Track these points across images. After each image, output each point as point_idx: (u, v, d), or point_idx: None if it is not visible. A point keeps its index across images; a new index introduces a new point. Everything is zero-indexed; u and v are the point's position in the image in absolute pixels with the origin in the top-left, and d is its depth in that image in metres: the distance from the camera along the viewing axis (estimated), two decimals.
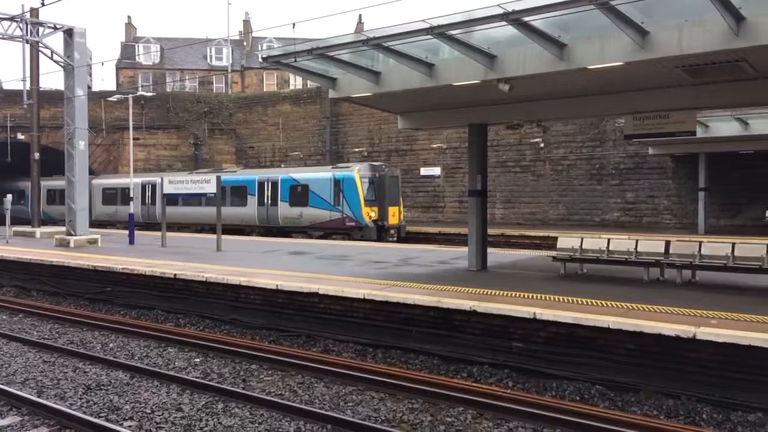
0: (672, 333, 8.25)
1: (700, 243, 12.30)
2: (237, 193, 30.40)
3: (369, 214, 26.33)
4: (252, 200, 29.88)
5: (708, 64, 10.08)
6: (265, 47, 49.37)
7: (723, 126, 23.67)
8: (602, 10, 9.02)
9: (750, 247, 11.74)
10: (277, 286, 12.49)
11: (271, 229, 29.14)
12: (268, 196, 29.32)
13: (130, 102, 27.51)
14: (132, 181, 27.37)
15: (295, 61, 12.39)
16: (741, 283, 11.84)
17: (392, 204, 27.51)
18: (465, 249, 15.55)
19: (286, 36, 41.86)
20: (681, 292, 11.20)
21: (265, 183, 29.48)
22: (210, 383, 8.81)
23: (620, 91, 12.10)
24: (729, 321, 8.62)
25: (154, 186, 32.84)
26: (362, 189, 26.43)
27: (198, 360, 10.31)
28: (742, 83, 10.91)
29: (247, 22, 60.04)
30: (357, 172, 26.66)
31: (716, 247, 12.11)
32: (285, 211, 28.63)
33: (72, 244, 21.81)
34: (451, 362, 9.85)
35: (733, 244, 11.86)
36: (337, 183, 26.89)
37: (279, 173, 29.90)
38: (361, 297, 11.29)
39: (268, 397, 8.15)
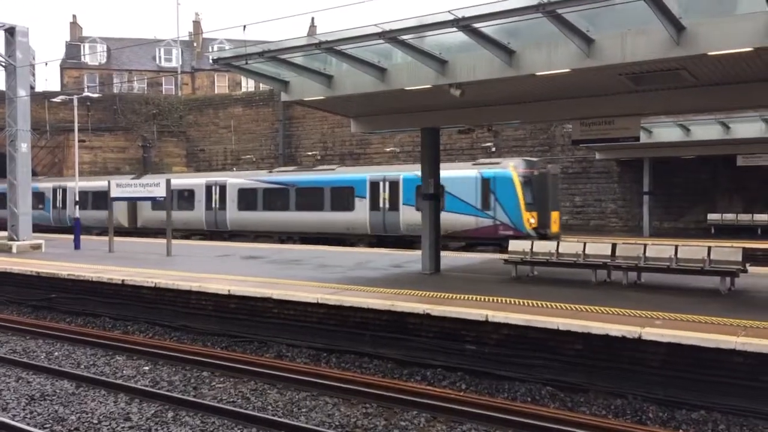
0: (618, 333, 8.49)
1: (645, 246, 12.71)
2: (340, 195, 25.92)
3: (529, 220, 22.22)
4: (361, 204, 25.24)
5: (650, 72, 10.44)
6: (216, 48, 48.71)
7: (666, 132, 24.52)
8: (549, 18, 9.23)
9: (692, 250, 12.19)
10: (229, 291, 12.32)
11: (387, 238, 24.76)
12: (385, 198, 24.76)
13: (75, 103, 26.74)
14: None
15: (246, 63, 12.28)
16: (684, 284, 12.27)
17: (554, 208, 23.75)
18: (418, 253, 15.65)
19: (238, 38, 41.40)
20: (627, 293, 11.53)
21: (381, 183, 24.91)
22: (159, 391, 8.63)
23: (568, 97, 12.42)
24: (672, 321, 8.93)
25: (223, 187, 29.19)
26: (521, 190, 22.18)
27: (147, 368, 10.08)
28: (682, 90, 11.33)
29: (197, 23, 59.06)
30: (513, 170, 22.32)
31: (660, 249, 12.52)
32: (409, 216, 23.79)
33: (14, 250, 21.02)
34: (405, 366, 9.89)
35: (676, 247, 12.29)
36: (486, 183, 22.53)
37: (399, 171, 25.17)
38: (315, 301, 11.24)
39: (220, 405, 8.04)
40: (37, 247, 21.66)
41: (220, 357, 10.24)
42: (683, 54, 9.34)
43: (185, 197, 29.92)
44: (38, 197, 35.02)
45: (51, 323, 13.46)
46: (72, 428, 7.43)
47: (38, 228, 31.83)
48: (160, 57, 55.86)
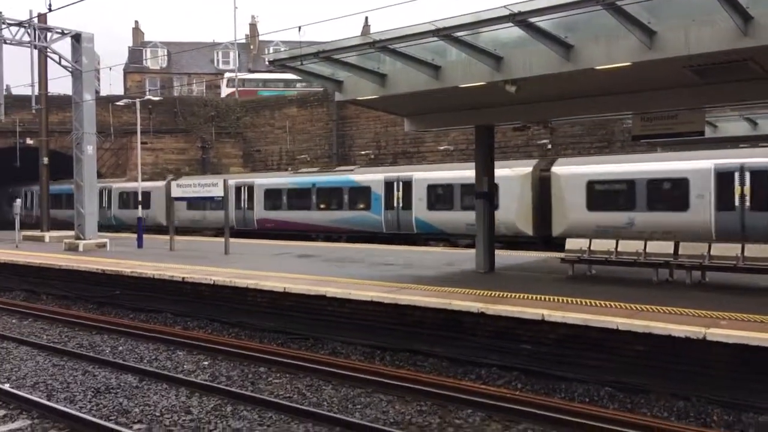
0: (682, 334, 8.20)
1: (710, 244, 12.24)
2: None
3: None
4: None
5: (716, 64, 10.03)
6: (271, 50, 49.52)
7: (731, 126, 23.52)
8: (609, 10, 8.99)
9: (760, 248, 11.67)
10: (284, 289, 12.51)
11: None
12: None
13: (138, 106, 27.66)
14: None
15: (302, 64, 12.42)
16: (752, 284, 11.75)
17: None
18: (472, 251, 15.50)
19: (293, 39, 41.98)
20: (691, 292, 11.13)
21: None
22: (219, 386, 8.82)
23: (627, 91, 12.05)
24: (739, 322, 8.57)
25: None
26: None
27: (206, 363, 10.34)
28: (749, 82, 10.85)
29: (253, 26, 60.29)
30: None
31: (726, 248, 12.03)
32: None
33: (81, 248, 21.92)
34: (459, 364, 9.82)
35: (743, 245, 11.79)
36: None
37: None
38: (369, 300, 11.28)
39: (277, 400, 8.16)
40: (102, 245, 22.53)
41: (276, 353, 10.40)
42: (751, 44, 8.96)
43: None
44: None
45: (115, 319, 13.96)
46: (136, 420, 7.69)
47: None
48: (218, 60, 57.29)
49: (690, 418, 7.55)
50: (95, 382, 9.28)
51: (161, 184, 32.83)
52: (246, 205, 30.09)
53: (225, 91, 49.94)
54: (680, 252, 12.35)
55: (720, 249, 11.98)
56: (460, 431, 7.28)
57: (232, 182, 30.09)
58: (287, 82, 49.04)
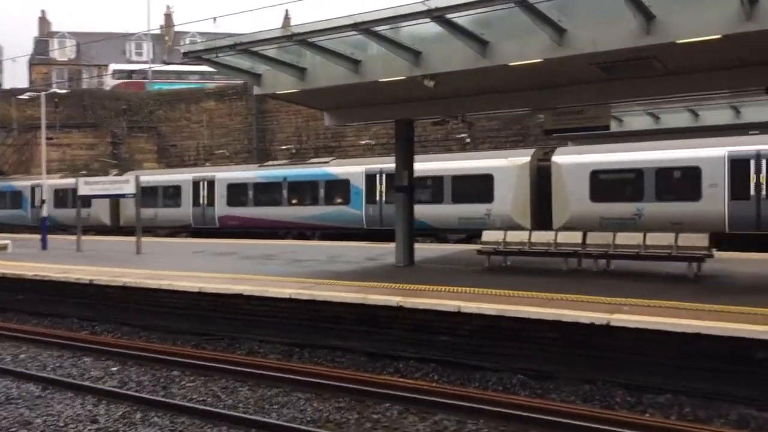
0: (588, 321, 8.53)
1: (614, 233, 12.82)
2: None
3: None
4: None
5: (621, 61, 10.47)
6: (188, 42, 48.07)
7: (636, 120, 24.70)
8: (521, 8, 9.22)
9: (660, 236, 12.34)
10: (199, 288, 12.15)
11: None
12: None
13: (43, 99, 26.19)
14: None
15: (217, 56, 12.10)
16: (653, 271, 12.40)
17: None
18: (392, 245, 15.59)
19: (211, 30, 40.89)
20: (597, 280, 11.64)
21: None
22: (127, 392, 8.46)
23: (541, 87, 12.42)
24: (640, 307, 9.00)
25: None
26: None
27: (115, 369, 9.87)
28: (651, 79, 11.39)
29: (168, 16, 58.34)
30: None
31: (630, 237, 12.65)
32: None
33: None
34: (377, 359, 9.83)
35: (645, 234, 12.42)
36: None
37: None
38: (287, 297, 11.13)
39: (190, 404, 7.90)
40: (3, 247, 21.20)
41: (190, 355, 10.07)
42: (653, 42, 9.40)
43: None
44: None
45: (16, 325, 13.13)
46: (38, 431, 7.25)
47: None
48: (130, 51, 55.05)
49: (595, 401, 7.85)
50: None
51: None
52: (205, 202, 27.86)
53: (111, 83, 47.83)
54: (588, 242, 12.87)
55: (624, 238, 12.59)
56: (377, 426, 7.27)
57: (188, 176, 28.86)
58: (203, 75, 47.66)
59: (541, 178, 20.87)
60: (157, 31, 56.95)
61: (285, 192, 25.63)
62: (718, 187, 17.88)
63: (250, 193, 26.62)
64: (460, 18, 10.01)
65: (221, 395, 8.42)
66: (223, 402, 8.14)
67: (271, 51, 11.98)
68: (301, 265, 15.04)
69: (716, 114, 20.78)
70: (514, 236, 13.82)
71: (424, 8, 9.66)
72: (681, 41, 9.22)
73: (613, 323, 8.36)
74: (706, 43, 9.22)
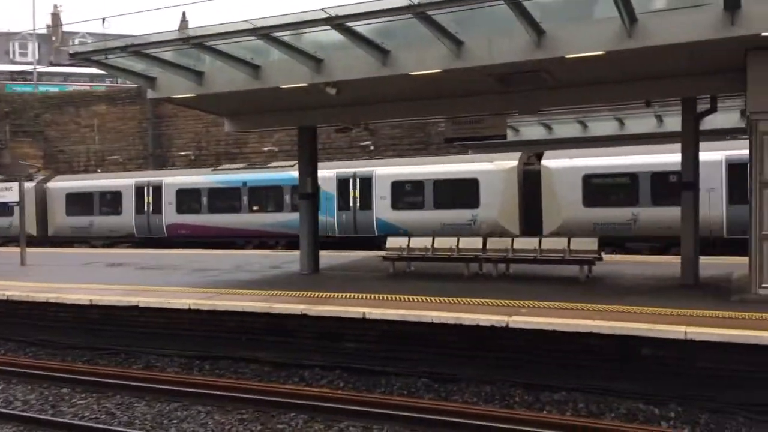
0: (488, 323, 8.81)
1: (513, 239, 13.37)
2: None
3: None
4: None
5: (514, 73, 10.94)
6: (77, 43, 45.62)
7: (530, 130, 25.87)
8: (420, 19, 9.43)
9: (554, 241, 12.97)
10: (90, 301, 11.52)
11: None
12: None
13: None
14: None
15: (107, 58, 11.56)
16: (548, 274, 13.00)
17: None
18: (298, 253, 15.45)
19: (103, 31, 38.97)
20: (497, 284, 12.05)
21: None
22: (12, 412, 7.91)
23: (441, 96, 12.75)
24: (537, 309, 9.40)
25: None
26: None
27: None
28: (543, 91, 11.98)
29: (56, 15, 55.06)
30: None
31: (527, 241, 13.22)
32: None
33: None
34: (283, 368, 9.69)
35: (540, 239, 13.03)
36: None
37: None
38: (186, 307, 10.76)
39: (81, 422, 7.48)
40: None
41: (81, 372, 9.52)
42: (543, 56, 9.88)
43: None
44: None
45: None
46: None
47: None
48: (14, 51, 51.55)
49: (495, 400, 8.12)
50: None
51: (30, 185, 26.59)
52: (151, 209, 25.57)
53: None
54: (488, 247, 13.32)
55: (521, 243, 13.13)
56: None
57: (130, 181, 26.24)
58: (93, 77, 45.30)
59: (529, 183, 20.33)
60: (44, 31, 53.61)
61: (245, 198, 23.95)
62: (716, 192, 17.66)
63: (204, 199, 24.70)
64: (361, 27, 10.10)
65: (116, 412, 8.02)
66: (117, 419, 7.77)
67: (166, 54, 11.57)
68: (204, 275, 14.60)
69: (602, 125, 22.20)
70: (417, 242, 14.08)
71: (324, 16, 9.68)
72: (569, 56, 9.77)
73: (511, 325, 8.68)
74: (592, 58, 9.82)
